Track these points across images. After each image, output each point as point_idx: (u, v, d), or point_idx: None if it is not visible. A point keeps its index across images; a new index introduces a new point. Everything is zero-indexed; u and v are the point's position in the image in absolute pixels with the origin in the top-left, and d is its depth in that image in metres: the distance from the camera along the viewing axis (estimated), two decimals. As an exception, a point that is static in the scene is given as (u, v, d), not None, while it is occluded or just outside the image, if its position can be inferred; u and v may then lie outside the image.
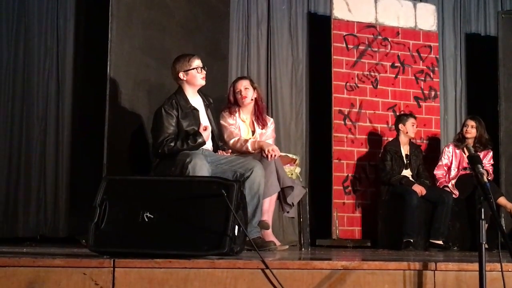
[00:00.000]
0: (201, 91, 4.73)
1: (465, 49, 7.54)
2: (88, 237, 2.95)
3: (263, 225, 4.62)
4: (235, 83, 5.15)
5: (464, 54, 7.54)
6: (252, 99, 5.07)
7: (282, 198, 4.94)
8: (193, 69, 4.58)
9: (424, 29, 7.09)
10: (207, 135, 4.51)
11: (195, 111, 4.61)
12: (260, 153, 4.76)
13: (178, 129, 4.52)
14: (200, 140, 4.44)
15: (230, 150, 4.87)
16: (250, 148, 4.85)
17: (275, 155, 4.71)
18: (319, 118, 6.94)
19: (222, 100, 5.24)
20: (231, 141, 4.93)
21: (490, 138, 6.42)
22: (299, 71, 7.01)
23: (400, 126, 6.36)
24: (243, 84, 5.07)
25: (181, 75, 4.61)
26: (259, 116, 5.11)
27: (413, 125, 6.36)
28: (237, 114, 5.06)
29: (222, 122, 4.96)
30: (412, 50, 7.01)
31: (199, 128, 4.53)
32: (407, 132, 6.33)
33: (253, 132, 5.09)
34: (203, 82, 4.65)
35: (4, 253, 3.24)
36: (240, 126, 5.06)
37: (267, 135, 5.13)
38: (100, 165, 5.05)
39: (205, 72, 4.63)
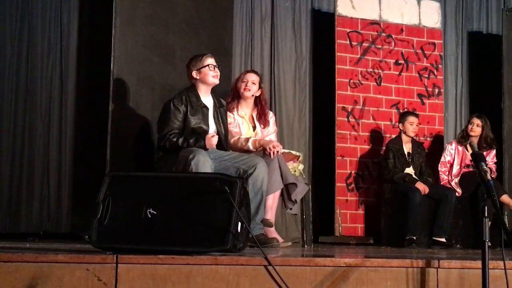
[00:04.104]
0: (214, 93, 4.73)
1: (467, 47, 7.53)
2: (91, 233, 2.95)
3: (266, 224, 4.62)
4: (245, 73, 5.13)
5: (466, 52, 7.53)
6: (253, 95, 5.05)
7: (285, 194, 4.92)
8: (205, 66, 4.58)
9: (428, 26, 7.08)
10: (212, 143, 4.47)
11: (205, 109, 4.61)
12: (262, 151, 4.74)
13: (184, 125, 4.52)
14: (201, 143, 4.42)
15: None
16: (251, 147, 4.81)
17: (277, 151, 4.69)
18: (322, 115, 6.94)
19: (226, 97, 5.22)
20: (231, 141, 4.88)
21: (495, 138, 6.41)
22: (302, 67, 7.01)
23: (400, 125, 6.35)
24: (252, 78, 5.05)
25: (194, 73, 4.62)
26: (261, 116, 5.08)
27: (411, 124, 6.31)
28: (235, 111, 5.04)
29: None
30: (416, 47, 7.00)
31: (206, 129, 4.53)
32: (406, 132, 6.32)
33: (254, 128, 5.07)
34: (215, 81, 4.64)
35: (7, 248, 3.25)
36: (240, 122, 5.02)
37: (268, 130, 5.10)
38: (103, 161, 5.06)
39: (218, 72, 4.64)
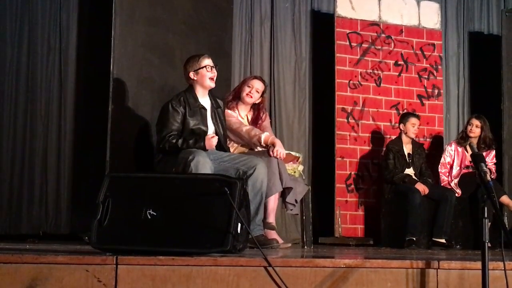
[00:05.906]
0: (211, 93, 4.72)
1: (468, 47, 7.54)
2: (90, 234, 2.95)
3: (269, 227, 4.64)
4: (253, 79, 5.12)
5: (467, 53, 7.53)
6: (253, 102, 5.06)
7: (286, 197, 4.93)
8: (203, 67, 4.57)
9: (428, 27, 7.08)
10: (211, 144, 4.45)
11: (203, 110, 4.59)
12: (266, 150, 4.72)
13: (183, 126, 4.50)
14: (200, 144, 4.41)
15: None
16: (262, 139, 4.74)
17: (278, 157, 4.68)
18: (322, 116, 6.94)
19: (225, 94, 5.22)
20: (244, 129, 4.86)
21: (494, 138, 6.41)
22: (302, 69, 7.01)
23: (401, 126, 6.36)
24: (258, 86, 5.04)
25: (191, 75, 4.60)
26: (253, 122, 5.08)
27: (413, 126, 6.32)
28: (237, 111, 5.06)
29: (228, 118, 4.90)
30: (416, 48, 7.00)
31: (205, 130, 4.52)
32: (406, 133, 6.33)
33: None
34: (212, 84, 4.60)
35: (7, 249, 3.25)
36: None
37: (264, 125, 5.13)
38: (103, 162, 5.05)
39: (215, 72, 4.61)
